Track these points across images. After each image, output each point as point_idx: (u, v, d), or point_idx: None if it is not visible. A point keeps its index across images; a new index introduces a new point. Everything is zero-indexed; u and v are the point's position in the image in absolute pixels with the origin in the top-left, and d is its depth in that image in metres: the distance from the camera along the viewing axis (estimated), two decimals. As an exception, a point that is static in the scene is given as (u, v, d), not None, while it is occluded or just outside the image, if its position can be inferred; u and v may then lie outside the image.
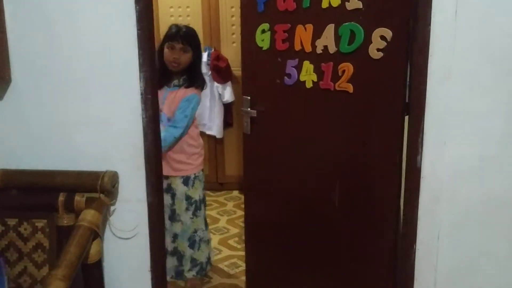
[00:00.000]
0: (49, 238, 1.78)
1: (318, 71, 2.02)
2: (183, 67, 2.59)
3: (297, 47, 2.07)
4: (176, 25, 2.63)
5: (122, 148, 1.81)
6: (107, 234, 1.85)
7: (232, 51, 4.25)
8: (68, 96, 1.79)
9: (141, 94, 1.76)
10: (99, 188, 1.73)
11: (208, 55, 4.05)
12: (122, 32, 1.73)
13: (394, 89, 1.82)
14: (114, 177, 1.77)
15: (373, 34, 1.82)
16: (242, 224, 3.77)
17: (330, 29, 1.95)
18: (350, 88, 1.93)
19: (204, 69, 3.85)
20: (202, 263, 2.86)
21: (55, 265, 1.53)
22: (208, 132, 4.17)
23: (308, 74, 2.06)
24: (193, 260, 2.82)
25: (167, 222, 2.68)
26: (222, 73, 4.11)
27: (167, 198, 2.70)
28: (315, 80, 2.04)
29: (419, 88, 1.72)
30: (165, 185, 2.61)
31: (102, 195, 1.75)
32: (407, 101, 1.80)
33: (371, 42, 1.83)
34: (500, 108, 1.70)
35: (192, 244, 2.79)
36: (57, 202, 1.74)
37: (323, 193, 2.11)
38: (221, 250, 3.43)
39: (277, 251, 2.39)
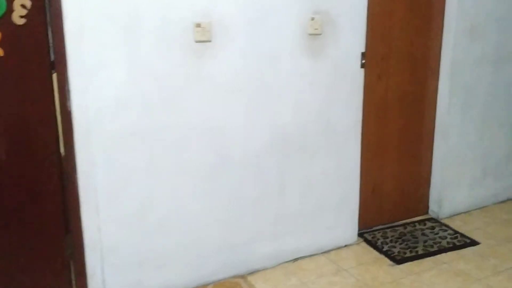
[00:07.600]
0: None
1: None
2: None
3: None
4: None
5: None
6: None
7: None
8: None
9: None
10: None
11: None
12: None
13: (40, 50, 2.18)
14: None
15: (14, 3, 2.12)
16: None
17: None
18: (1, 52, 2.19)
19: None
20: None
21: None
22: None
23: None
24: None
25: None
26: None
27: None
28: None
29: (60, 47, 2.14)
30: None
31: None
32: (52, 59, 2.19)
33: (14, 10, 2.13)
34: (124, 59, 2.25)
35: None
36: None
37: None
38: None
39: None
